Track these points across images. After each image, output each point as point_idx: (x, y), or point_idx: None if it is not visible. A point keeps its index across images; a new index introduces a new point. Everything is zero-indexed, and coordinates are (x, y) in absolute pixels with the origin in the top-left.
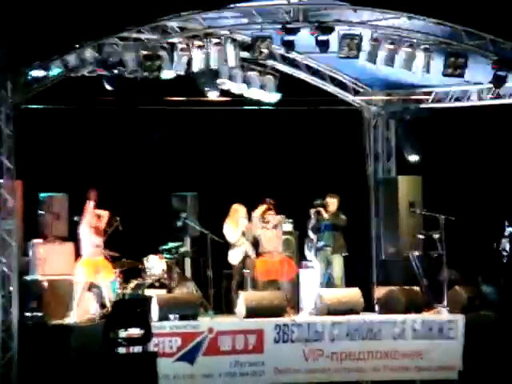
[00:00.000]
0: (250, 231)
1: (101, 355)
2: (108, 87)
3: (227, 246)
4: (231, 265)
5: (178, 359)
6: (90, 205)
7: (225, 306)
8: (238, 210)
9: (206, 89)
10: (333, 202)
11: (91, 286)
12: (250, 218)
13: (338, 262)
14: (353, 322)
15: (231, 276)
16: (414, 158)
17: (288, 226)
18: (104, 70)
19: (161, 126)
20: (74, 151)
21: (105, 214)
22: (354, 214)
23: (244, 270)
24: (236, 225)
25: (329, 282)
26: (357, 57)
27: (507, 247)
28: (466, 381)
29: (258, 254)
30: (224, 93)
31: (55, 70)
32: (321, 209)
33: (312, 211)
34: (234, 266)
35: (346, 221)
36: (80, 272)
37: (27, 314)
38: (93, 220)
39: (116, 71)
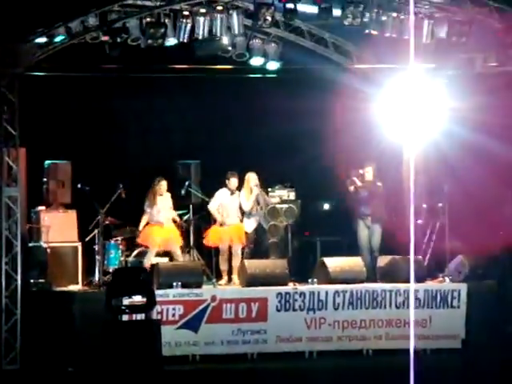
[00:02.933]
0: (264, 200)
1: (104, 322)
2: (111, 54)
3: None
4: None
5: (181, 327)
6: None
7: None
8: (250, 178)
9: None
10: (368, 171)
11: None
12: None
13: (377, 231)
14: (356, 291)
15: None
16: None
17: (291, 195)
18: (107, 37)
19: (164, 94)
20: (78, 118)
21: None
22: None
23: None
24: (249, 193)
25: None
26: (361, 25)
27: None
28: (469, 349)
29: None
30: (227, 60)
31: (58, 37)
32: (355, 178)
33: (348, 181)
34: (247, 233)
35: (382, 188)
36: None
37: (31, 280)
38: None
39: (119, 38)
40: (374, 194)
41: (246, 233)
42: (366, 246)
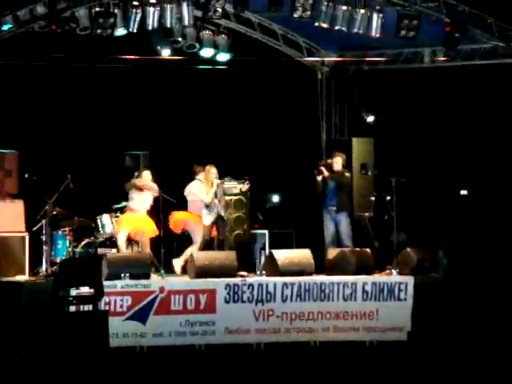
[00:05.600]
0: (222, 193)
1: (51, 313)
2: (59, 44)
3: (179, 205)
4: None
5: (129, 318)
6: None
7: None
8: (211, 171)
9: (159, 47)
10: (337, 161)
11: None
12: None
13: (344, 221)
14: (304, 283)
15: (182, 236)
16: (370, 118)
17: (242, 186)
18: (56, 26)
19: (113, 84)
20: (26, 108)
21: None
22: (306, 175)
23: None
24: (210, 186)
25: (337, 242)
26: (311, 17)
27: None
28: (415, 341)
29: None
30: (177, 51)
31: (6, 26)
32: (322, 168)
33: (315, 171)
34: (204, 225)
35: (350, 179)
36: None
37: None
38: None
39: (68, 28)
40: (341, 185)
41: (204, 226)
42: (331, 240)
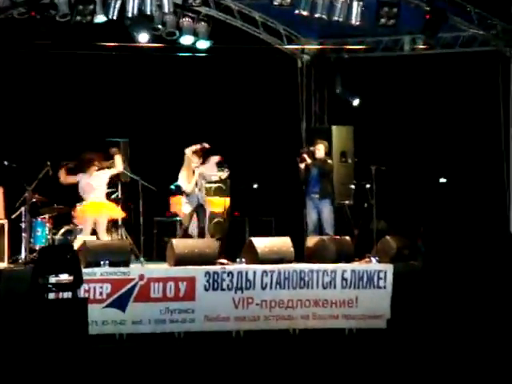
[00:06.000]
0: (202, 182)
1: (30, 301)
2: (39, 30)
3: (159, 192)
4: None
5: (108, 306)
6: None
7: (155, 253)
8: (192, 160)
9: (135, 33)
10: (319, 149)
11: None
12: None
13: (326, 208)
14: (283, 271)
15: (163, 223)
16: (356, 102)
17: (221, 174)
18: (35, 12)
19: (93, 71)
20: (5, 95)
21: None
22: (286, 162)
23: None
24: (191, 174)
25: (318, 230)
26: (291, 5)
27: None
28: (394, 329)
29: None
30: (157, 39)
31: None
32: (305, 155)
33: (298, 158)
34: (184, 214)
35: (332, 166)
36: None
37: None
38: None
39: (47, 14)
40: (324, 172)
41: (184, 214)
42: (313, 227)
